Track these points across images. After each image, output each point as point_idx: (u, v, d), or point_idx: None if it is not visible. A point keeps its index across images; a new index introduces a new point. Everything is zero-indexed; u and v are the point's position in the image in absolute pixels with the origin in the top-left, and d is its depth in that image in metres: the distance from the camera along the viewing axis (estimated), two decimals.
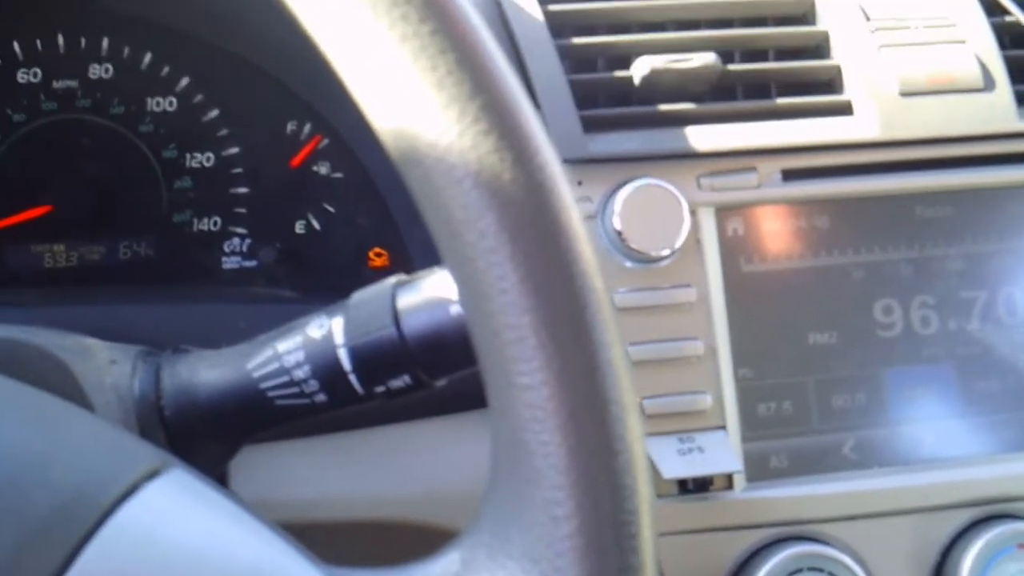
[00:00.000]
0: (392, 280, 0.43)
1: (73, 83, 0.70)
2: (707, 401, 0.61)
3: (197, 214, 0.72)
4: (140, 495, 0.31)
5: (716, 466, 0.59)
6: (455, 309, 0.41)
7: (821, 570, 0.58)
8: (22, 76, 0.70)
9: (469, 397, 0.60)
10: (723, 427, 0.61)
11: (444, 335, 0.41)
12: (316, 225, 0.73)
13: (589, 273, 0.31)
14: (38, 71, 0.70)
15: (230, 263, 0.71)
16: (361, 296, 0.43)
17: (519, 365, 0.30)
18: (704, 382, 0.61)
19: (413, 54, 0.31)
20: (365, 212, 0.73)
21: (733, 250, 0.63)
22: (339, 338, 0.42)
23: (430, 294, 0.41)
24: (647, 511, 0.31)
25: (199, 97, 0.71)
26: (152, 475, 0.32)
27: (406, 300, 0.42)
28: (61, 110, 0.70)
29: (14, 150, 0.69)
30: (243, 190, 0.72)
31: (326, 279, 0.73)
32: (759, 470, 0.61)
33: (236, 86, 0.72)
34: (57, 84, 0.70)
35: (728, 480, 0.60)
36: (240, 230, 0.72)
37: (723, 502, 0.60)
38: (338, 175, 0.73)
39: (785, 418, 0.62)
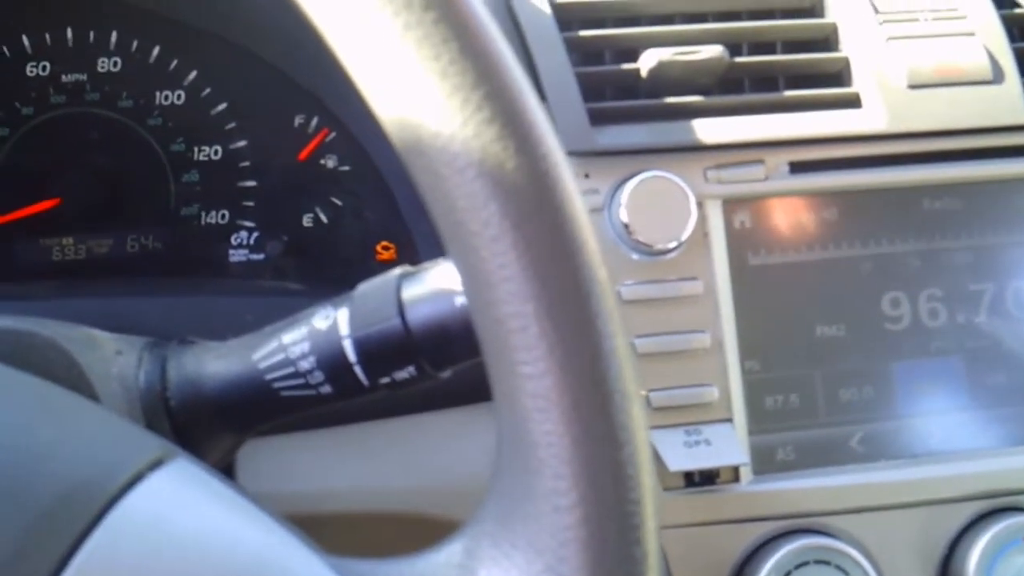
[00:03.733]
0: (397, 271, 0.43)
1: (82, 76, 0.70)
2: (714, 394, 0.60)
3: (205, 207, 0.72)
4: (144, 484, 0.31)
5: (722, 458, 0.59)
6: (460, 300, 0.41)
7: (828, 563, 0.58)
8: (31, 69, 0.70)
9: (475, 389, 0.60)
10: (730, 420, 0.61)
11: (448, 326, 0.41)
12: (324, 218, 0.73)
13: (592, 262, 0.31)
14: (47, 64, 0.70)
15: (237, 256, 0.71)
16: (366, 287, 0.43)
17: (522, 354, 0.30)
18: (711, 375, 0.61)
19: (416, 42, 0.31)
20: (373, 206, 0.73)
21: (740, 243, 0.63)
22: (344, 329, 0.42)
23: (435, 285, 0.41)
24: (651, 502, 0.31)
25: (207, 90, 0.72)
26: (156, 464, 0.32)
27: (411, 291, 0.42)
28: (69, 103, 0.70)
29: (23, 143, 0.70)
30: (251, 183, 0.72)
31: (333, 272, 0.73)
32: (766, 463, 0.61)
33: (244, 79, 0.72)
34: (66, 77, 0.70)
35: (735, 473, 0.60)
36: (248, 223, 0.72)
37: (729, 495, 0.60)
38: (345, 168, 0.73)
39: (792, 411, 0.62)
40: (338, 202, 0.73)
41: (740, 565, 0.59)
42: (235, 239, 0.72)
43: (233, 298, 0.63)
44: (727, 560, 0.59)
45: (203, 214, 0.72)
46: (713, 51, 0.64)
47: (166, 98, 0.71)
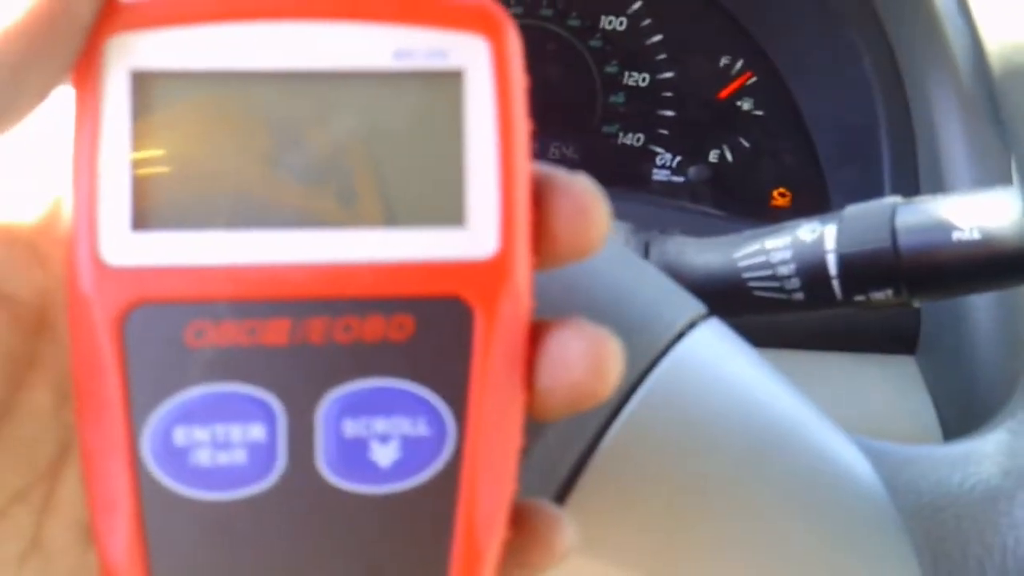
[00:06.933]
0: (891, 199, 0.45)
1: None
2: None
3: (624, 128, 0.77)
4: (696, 331, 0.36)
5: None
6: (958, 235, 0.42)
7: None
8: None
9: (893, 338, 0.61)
10: None
11: (942, 257, 0.43)
12: (729, 157, 0.76)
13: None
14: None
15: (660, 175, 0.76)
16: (857, 209, 0.46)
17: None
18: None
19: None
20: (781, 151, 0.75)
21: None
22: (830, 244, 0.45)
23: (934, 216, 0.43)
24: None
25: (647, 21, 0.76)
26: (697, 321, 0.36)
27: (906, 219, 0.44)
28: (526, 15, 0.77)
29: None
30: (669, 113, 0.77)
31: (732, 208, 0.76)
32: None
33: (682, 14, 0.76)
34: None
35: None
36: (658, 149, 0.77)
37: None
38: (759, 113, 0.76)
39: None
40: (746, 143, 0.76)
41: None
42: (660, 160, 0.76)
43: (662, 210, 0.68)
44: None
45: (621, 134, 0.77)
46: None
47: (609, 23, 0.77)
